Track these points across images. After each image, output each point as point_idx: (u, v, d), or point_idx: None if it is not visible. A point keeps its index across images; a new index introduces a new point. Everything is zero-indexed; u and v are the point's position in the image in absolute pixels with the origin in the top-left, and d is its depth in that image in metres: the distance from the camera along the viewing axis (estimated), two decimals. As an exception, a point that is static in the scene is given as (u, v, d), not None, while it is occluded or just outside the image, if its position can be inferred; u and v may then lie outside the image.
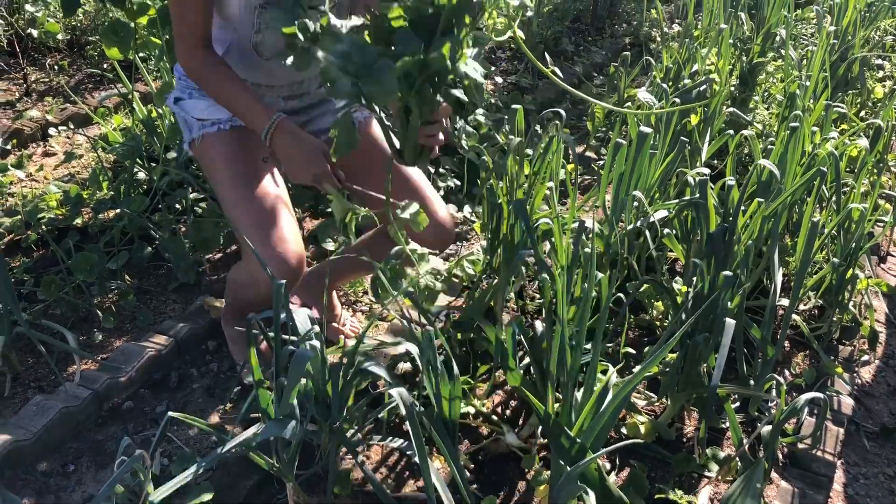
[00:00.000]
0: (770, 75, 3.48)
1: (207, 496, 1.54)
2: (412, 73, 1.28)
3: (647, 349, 2.07)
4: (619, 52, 4.44)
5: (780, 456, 1.83)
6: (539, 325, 1.78)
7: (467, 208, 2.79)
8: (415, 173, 1.86)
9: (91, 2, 3.76)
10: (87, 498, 1.62)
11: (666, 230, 2.22)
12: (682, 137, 2.27)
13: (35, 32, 3.59)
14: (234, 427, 1.79)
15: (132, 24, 2.48)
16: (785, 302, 2.16)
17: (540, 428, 1.77)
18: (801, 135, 2.25)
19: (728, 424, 1.79)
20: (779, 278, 1.91)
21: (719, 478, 1.74)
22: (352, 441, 1.54)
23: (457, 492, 1.51)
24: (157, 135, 2.70)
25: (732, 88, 3.40)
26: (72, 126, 3.18)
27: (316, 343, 1.41)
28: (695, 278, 1.85)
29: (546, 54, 3.41)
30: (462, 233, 2.71)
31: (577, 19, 4.92)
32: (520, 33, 1.92)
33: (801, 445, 1.83)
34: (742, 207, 2.00)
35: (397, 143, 1.48)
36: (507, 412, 1.91)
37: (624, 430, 1.82)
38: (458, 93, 1.38)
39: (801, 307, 2.34)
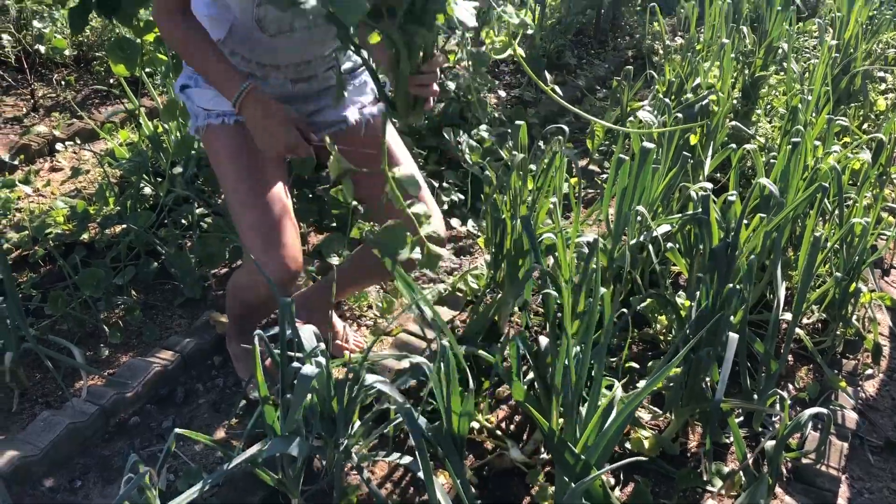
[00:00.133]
0: (772, 88, 3.50)
1: (213, 512, 1.55)
2: (395, 9, 1.26)
3: (650, 363, 2.07)
4: (621, 65, 4.47)
5: (785, 471, 1.83)
6: (543, 340, 1.79)
7: (471, 222, 2.80)
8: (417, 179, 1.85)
9: (98, 18, 3.79)
10: (94, 514, 1.63)
11: (669, 244, 2.23)
12: (685, 153, 2.28)
13: (42, 48, 3.63)
14: (240, 443, 1.79)
15: (138, 41, 2.50)
16: (788, 316, 2.16)
17: (544, 443, 1.77)
18: (803, 149, 2.27)
19: (732, 439, 1.79)
20: (782, 292, 1.92)
21: (723, 493, 1.74)
22: (357, 457, 1.54)
23: (461, 507, 1.51)
24: (164, 150, 2.72)
25: (735, 101, 3.42)
26: (78, 141, 3.20)
27: (322, 360, 1.42)
28: (698, 293, 1.86)
29: (547, 72, 3.43)
30: (466, 247, 2.73)
31: (580, 32, 4.94)
32: (520, 51, 1.95)
33: (805, 460, 1.83)
34: (745, 221, 2.01)
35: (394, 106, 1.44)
36: (512, 427, 1.92)
37: (628, 445, 1.83)
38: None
39: (805, 321, 2.34)
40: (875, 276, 2.51)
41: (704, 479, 1.76)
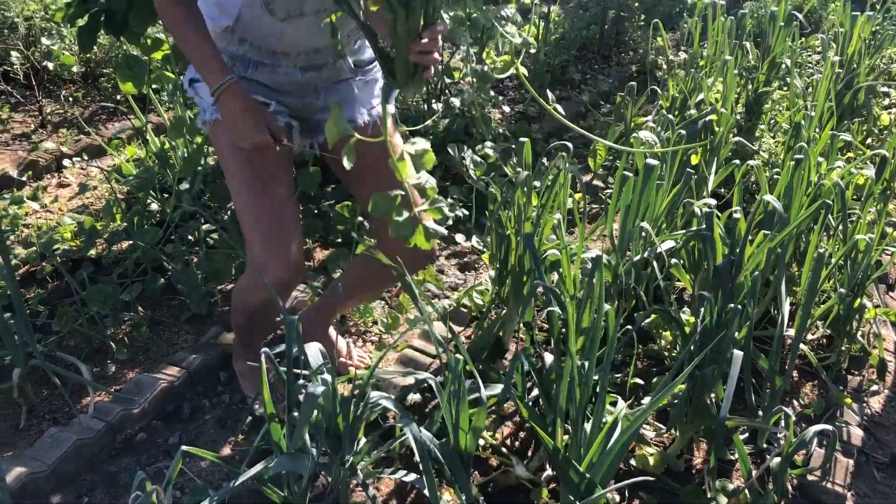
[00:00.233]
0: (776, 103, 3.51)
1: (219, 529, 1.55)
2: None
3: (655, 379, 2.08)
4: (625, 80, 4.48)
5: (790, 488, 1.83)
6: (548, 357, 1.80)
7: (475, 238, 2.82)
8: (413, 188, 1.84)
9: (105, 36, 3.83)
10: (101, 530, 1.64)
11: (673, 260, 2.24)
12: (689, 169, 2.29)
13: (51, 65, 3.66)
14: (246, 459, 1.80)
15: (146, 59, 2.53)
16: (793, 332, 2.17)
17: (549, 460, 1.78)
18: (807, 165, 2.27)
19: (737, 456, 1.79)
20: (786, 309, 1.92)
21: (729, 510, 1.74)
22: (362, 474, 1.55)
23: (467, 525, 1.52)
24: (170, 166, 2.75)
25: (738, 117, 3.43)
26: (86, 157, 3.22)
27: (328, 377, 1.43)
28: (702, 309, 1.86)
29: (551, 87, 3.45)
30: (470, 262, 2.74)
31: (584, 48, 4.97)
32: (523, 70, 1.96)
33: (810, 477, 1.83)
34: (749, 237, 2.02)
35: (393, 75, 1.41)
36: (517, 444, 1.92)
37: (633, 462, 1.83)
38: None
39: (809, 337, 2.34)
40: (880, 292, 2.51)
41: (709, 496, 1.76)
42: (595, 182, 3.36)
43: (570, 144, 2.25)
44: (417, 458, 1.44)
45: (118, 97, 3.66)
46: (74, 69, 3.72)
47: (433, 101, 3.36)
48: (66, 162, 3.16)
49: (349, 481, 1.54)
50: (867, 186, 2.46)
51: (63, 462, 1.72)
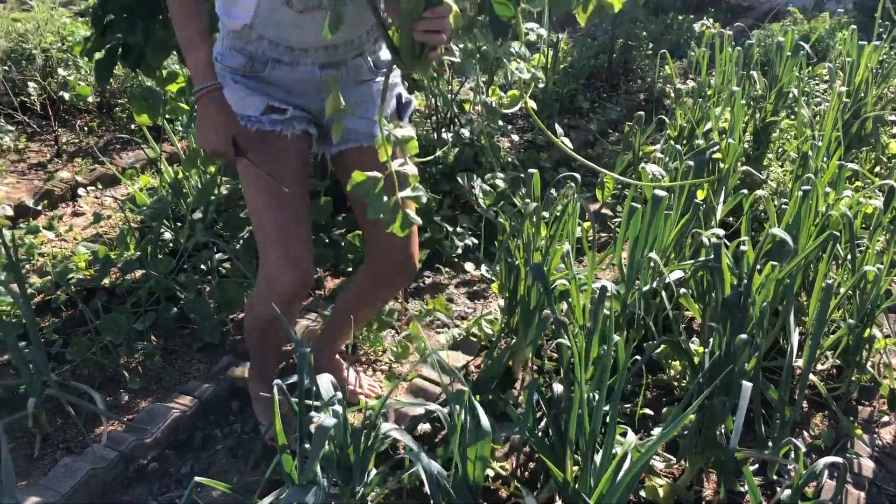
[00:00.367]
0: (784, 132, 3.53)
1: (231, 560, 1.56)
2: None
3: (665, 410, 2.08)
4: (633, 109, 4.52)
5: (801, 520, 1.82)
6: (557, 388, 1.81)
7: (484, 267, 2.83)
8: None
9: (120, 67, 3.90)
10: (113, 560, 1.65)
11: (682, 290, 2.25)
12: (696, 200, 2.31)
13: (67, 95, 3.72)
14: (258, 490, 1.81)
15: (161, 91, 2.57)
16: (802, 362, 2.17)
17: (559, 492, 1.78)
18: (815, 196, 2.29)
19: (747, 488, 1.79)
20: (795, 339, 1.93)
21: (739, 542, 1.74)
22: (373, 505, 1.56)
23: (477, 557, 1.52)
24: (184, 195, 2.78)
25: (746, 145, 3.46)
26: (100, 186, 3.27)
27: (339, 408, 1.44)
28: (711, 340, 1.87)
29: (560, 116, 3.48)
30: (480, 291, 2.75)
31: (592, 76, 5.01)
32: (532, 104, 1.99)
33: (821, 509, 1.82)
34: (758, 266, 2.03)
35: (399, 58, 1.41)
36: (526, 474, 1.93)
37: (643, 493, 1.83)
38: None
39: (819, 367, 2.34)
40: (890, 322, 2.51)
41: (720, 528, 1.75)
42: (604, 210, 3.38)
43: (577, 176, 2.28)
44: (427, 489, 1.45)
45: (132, 127, 3.72)
46: (90, 99, 3.79)
47: (442, 129, 3.39)
48: (80, 191, 3.21)
49: (360, 512, 1.55)
50: (876, 216, 2.47)
51: (76, 492, 1.74)
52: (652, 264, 2.19)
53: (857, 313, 2.18)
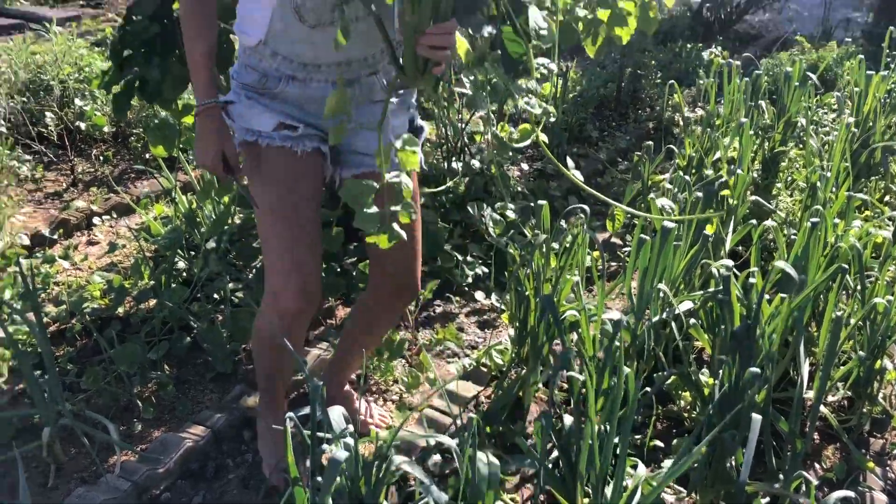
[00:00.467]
0: (792, 161, 3.55)
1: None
2: None
3: (675, 441, 2.08)
4: (642, 137, 4.55)
5: (813, 554, 1.81)
6: (568, 419, 1.81)
7: (495, 296, 2.85)
8: (415, 233, 1.83)
9: (137, 99, 3.96)
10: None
11: (692, 320, 2.26)
12: (705, 233, 2.32)
13: (83, 125, 3.78)
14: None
15: (177, 123, 2.62)
16: (812, 394, 2.17)
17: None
18: (823, 227, 2.30)
19: (758, 521, 1.79)
20: (805, 371, 1.93)
21: (751, 576, 1.73)
22: (384, 538, 1.56)
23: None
24: (197, 225, 2.82)
25: (755, 174, 3.47)
26: (115, 215, 3.31)
27: (350, 441, 1.45)
28: (721, 371, 1.88)
29: (569, 145, 3.51)
30: (490, 320, 2.77)
31: (602, 105, 5.05)
32: (543, 137, 2.02)
33: (833, 543, 1.81)
34: (767, 296, 2.04)
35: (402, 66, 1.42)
36: (537, 506, 1.93)
37: (654, 526, 1.83)
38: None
39: (830, 398, 2.34)
40: (900, 352, 2.50)
41: (731, 562, 1.75)
42: (613, 239, 3.39)
43: (586, 208, 2.30)
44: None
45: (147, 156, 3.76)
46: (105, 129, 3.84)
47: (453, 158, 3.43)
48: (95, 220, 3.25)
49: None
50: (886, 246, 2.48)
51: (90, 522, 1.75)
52: (661, 295, 2.21)
53: (867, 345, 2.19)
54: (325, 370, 2.21)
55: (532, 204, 3.36)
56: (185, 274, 2.70)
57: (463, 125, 3.47)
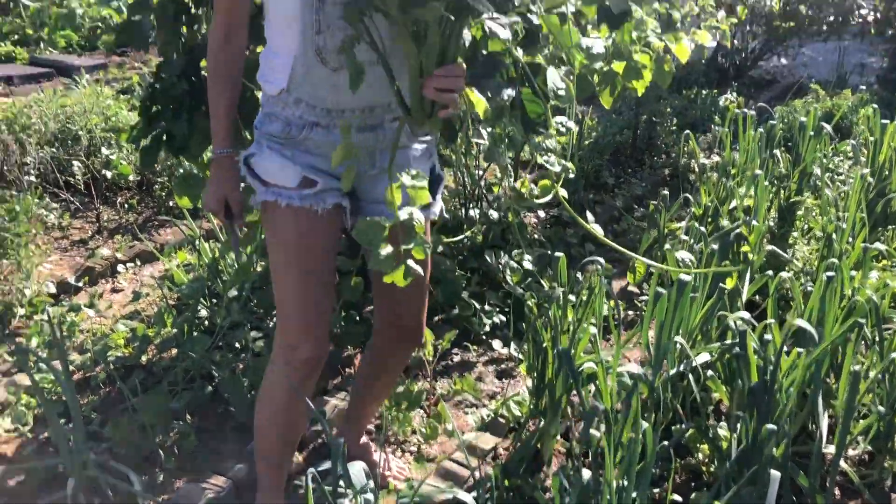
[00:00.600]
0: (809, 211, 3.56)
1: None
2: None
3: (693, 496, 2.08)
4: (658, 184, 4.58)
5: None
6: (586, 473, 1.82)
7: (513, 345, 2.86)
8: (423, 279, 1.83)
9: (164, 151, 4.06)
10: None
11: (709, 372, 2.27)
12: (721, 286, 2.34)
13: (109, 174, 3.87)
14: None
15: (202, 175, 2.68)
16: (832, 448, 2.16)
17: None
18: (840, 279, 2.31)
19: (779, 579, 1.78)
20: (824, 425, 1.93)
21: None
22: None
23: None
24: (219, 273, 2.87)
25: (771, 222, 3.49)
26: (139, 262, 3.38)
27: (371, 497, 1.47)
28: (739, 425, 1.88)
29: (585, 191, 3.55)
30: (508, 370, 2.78)
31: (617, 151, 5.10)
32: (563, 193, 2.05)
33: None
34: (785, 347, 2.04)
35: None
36: (555, 561, 1.92)
37: (673, 583, 1.82)
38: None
39: (850, 452, 2.32)
40: (921, 405, 2.49)
41: None
42: (630, 287, 3.41)
43: (602, 260, 2.33)
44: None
45: (171, 203, 3.84)
46: (130, 177, 3.93)
47: (470, 205, 3.48)
48: (120, 267, 3.32)
49: None
50: (903, 298, 2.48)
51: (112, 574, 1.77)
52: (678, 347, 2.22)
53: (887, 399, 2.18)
54: (342, 420, 2.24)
55: (549, 252, 3.40)
56: (206, 322, 2.74)
57: (480, 172, 3.52)
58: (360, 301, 2.83)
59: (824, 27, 7.07)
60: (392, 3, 1.27)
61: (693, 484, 2.20)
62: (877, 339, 2.29)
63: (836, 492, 2.20)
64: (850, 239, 2.95)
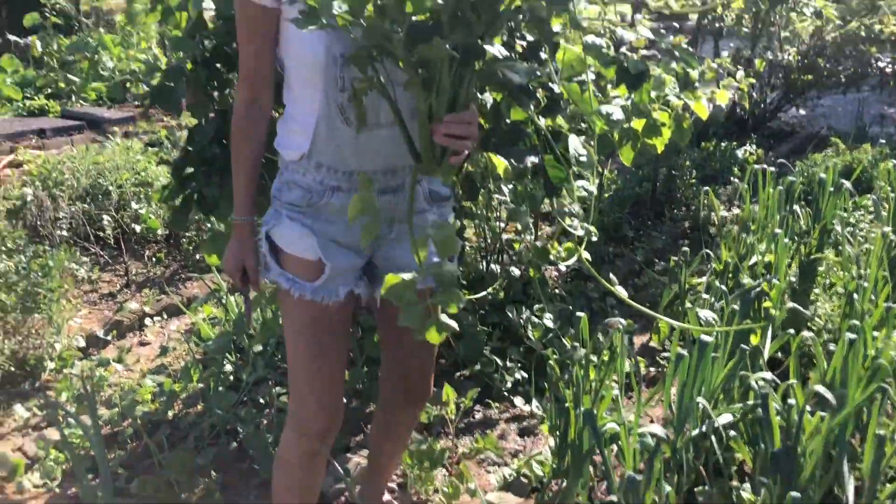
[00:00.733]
0: (830, 268, 3.57)
1: None
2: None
3: (718, 560, 2.06)
4: (678, 237, 4.61)
5: None
6: (609, 538, 1.82)
7: (535, 402, 2.87)
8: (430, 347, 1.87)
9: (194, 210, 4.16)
10: None
11: (732, 433, 2.26)
12: (743, 346, 2.35)
13: (138, 228, 3.96)
14: None
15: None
16: (859, 512, 2.14)
17: None
18: (862, 341, 2.31)
19: None
20: (851, 490, 1.92)
21: None
22: None
23: None
24: (245, 327, 2.92)
25: (792, 278, 3.49)
26: (166, 316, 3.43)
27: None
28: (763, 490, 1.88)
29: (605, 245, 3.57)
30: (530, 427, 2.79)
31: (637, 204, 5.14)
32: (586, 255, 2.09)
33: None
34: (808, 407, 2.04)
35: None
36: None
37: None
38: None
39: (878, 515, 2.30)
40: (948, 467, 2.46)
41: None
42: (652, 343, 3.42)
43: (623, 321, 2.35)
44: None
45: (198, 257, 3.92)
46: (158, 232, 4.02)
47: (491, 258, 3.52)
48: (147, 321, 3.38)
49: None
50: (927, 358, 2.47)
51: None
52: (701, 407, 2.22)
53: (912, 462, 2.17)
54: (362, 479, 2.26)
55: (570, 307, 3.43)
56: (232, 377, 2.78)
57: (501, 224, 3.57)
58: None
59: (842, 79, 7.12)
60: (398, 43, 1.25)
61: (717, 547, 2.18)
62: (901, 400, 2.29)
63: (864, 557, 2.17)
64: (873, 297, 2.95)
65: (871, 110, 7.74)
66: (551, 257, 2.16)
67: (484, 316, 3.26)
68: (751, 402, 2.20)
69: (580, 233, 1.92)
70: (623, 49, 2.66)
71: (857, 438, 2.41)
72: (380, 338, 1.98)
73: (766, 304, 2.83)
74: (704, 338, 2.24)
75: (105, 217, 3.93)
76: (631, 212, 5.00)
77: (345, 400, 2.66)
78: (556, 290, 3.70)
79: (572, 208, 1.90)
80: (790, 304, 3.03)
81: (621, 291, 2.19)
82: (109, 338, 3.22)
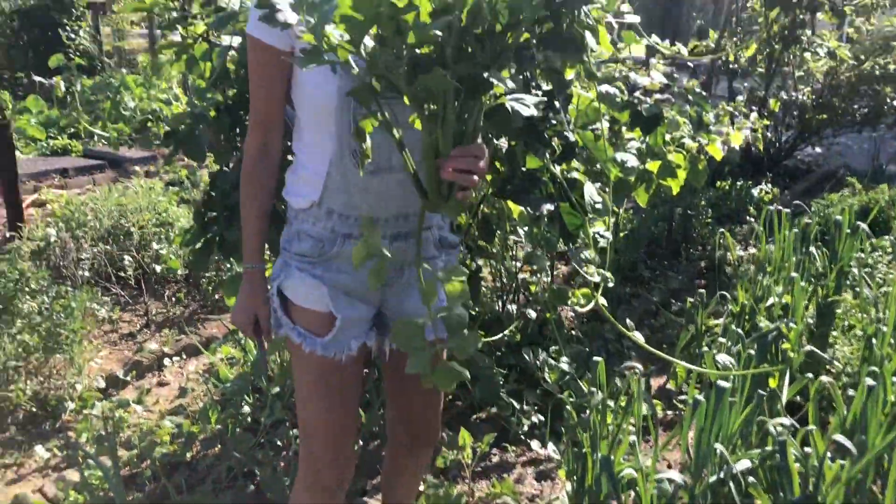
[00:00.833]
0: (848, 309, 3.55)
1: None
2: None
3: None
4: (694, 276, 4.61)
5: None
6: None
7: (551, 446, 2.86)
8: (437, 392, 1.87)
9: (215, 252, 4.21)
10: None
11: (751, 479, 2.25)
12: (760, 392, 2.34)
13: (158, 268, 4.02)
14: None
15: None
16: (881, 561, 2.11)
17: None
18: (882, 384, 2.30)
19: None
20: (871, 540, 1.90)
21: None
22: None
23: None
24: (263, 369, 2.94)
25: (810, 320, 3.48)
26: (185, 356, 3.47)
27: None
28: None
29: (621, 285, 3.58)
30: (546, 471, 2.78)
31: (653, 243, 5.15)
32: (603, 301, 2.11)
33: None
34: (828, 454, 2.02)
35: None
36: None
37: None
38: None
39: (900, 564, 2.26)
40: (972, 515, 2.43)
41: None
42: (669, 386, 3.40)
43: (639, 366, 2.35)
44: None
45: (217, 296, 3.96)
46: (178, 271, 4.07)
47: (506, 297, 3.53)
48: (166, 361, 3.41)
49: None
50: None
51: None
52: (719, 453, 2.21)
53: (934, 510, 2.14)
54: None
55: (586, 349, 3.43)
56: (249, 419, 2.80)
57: (517, 264, 3.58)
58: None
59: (857, 118, 7.14)
60: (400, 76, 1.24)
61: None
62: (922, 446, 2.27)
63: None
64: (892, 340, 2.93)
65: (887, 149, 7.74)
66: (568, 302, 2.18)
67: (500, 358, 3.26)
68: (769, 447, 2.19)
69: (597, 279, 1.94)
70: (637, 93, 2.70)
71: (879, 485, 2.39)
72: (386, 385, 1.99)
73: (785, 345, 2.82)
74: (721, 383, 2.24)
75: (126, 257, 3.98)
76: (647, 251, 5.01)
77: (361, 442, 2.69)
78: (573, 331, 3.71)
79: (588, 255, 1.91)
80: (808, 347, 3.02)
81: (638, 337, 2.21)
82: (129, 378, 3.25)
